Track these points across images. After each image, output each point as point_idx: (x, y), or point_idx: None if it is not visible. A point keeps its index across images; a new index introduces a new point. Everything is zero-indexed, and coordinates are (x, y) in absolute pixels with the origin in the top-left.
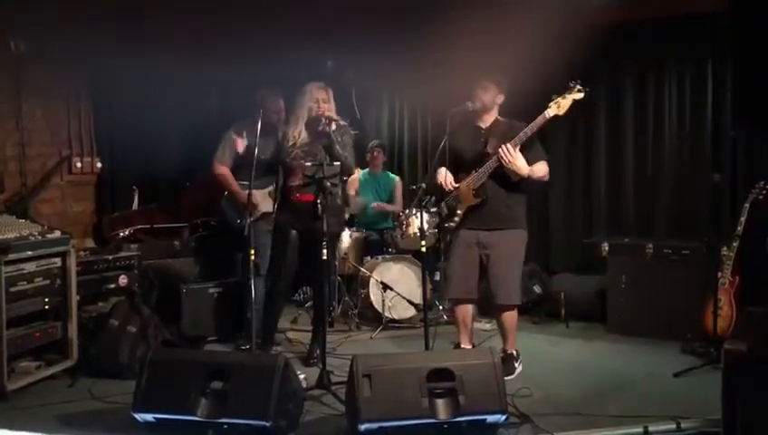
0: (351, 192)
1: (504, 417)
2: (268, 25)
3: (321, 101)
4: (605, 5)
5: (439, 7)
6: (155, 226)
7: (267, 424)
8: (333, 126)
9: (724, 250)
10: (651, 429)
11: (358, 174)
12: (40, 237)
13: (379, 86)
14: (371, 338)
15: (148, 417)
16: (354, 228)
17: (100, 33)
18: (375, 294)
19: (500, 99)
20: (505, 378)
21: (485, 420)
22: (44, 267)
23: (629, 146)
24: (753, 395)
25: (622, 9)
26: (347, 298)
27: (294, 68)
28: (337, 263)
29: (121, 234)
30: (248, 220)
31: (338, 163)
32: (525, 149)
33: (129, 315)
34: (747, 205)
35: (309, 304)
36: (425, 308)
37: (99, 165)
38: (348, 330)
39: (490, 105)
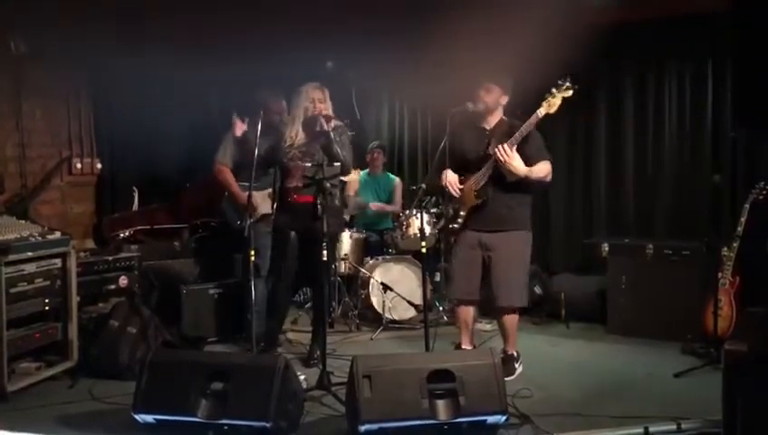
0: (351, 193)
1: (504, 418)
2: (268, 25)
3: (317, 100)
4: (605, 5)
5: (439, 7)
6: (155, 226)
7: (267, 425)
8: (332, 124)
9: (725, 251)
10: (652, 429)
11: (357, 175)
12: (40, 238)
13: (379, 86)
14: (371, 339)
15: (149, 418)
16: (354, 229)
17: (100, 33)
18: (375, 295)
19: (504, 100)
20: (506, 379)
21: (486, 420)
22: (45, 268)
23: (629, 146)
24: (753, 396)
25: (622, 9)
26: (347, 299)
27: (294, 68)
28: (335, 265)
29: (121, 235)
30: (248, 221)
31: (338, 164)
32: (524, 149)
33: (130, 316)
34: (747, 205)
35: (309, 305)
36: (425, 309)
37: (99, 166)
38: (348, 331)
39: (493, 106)
